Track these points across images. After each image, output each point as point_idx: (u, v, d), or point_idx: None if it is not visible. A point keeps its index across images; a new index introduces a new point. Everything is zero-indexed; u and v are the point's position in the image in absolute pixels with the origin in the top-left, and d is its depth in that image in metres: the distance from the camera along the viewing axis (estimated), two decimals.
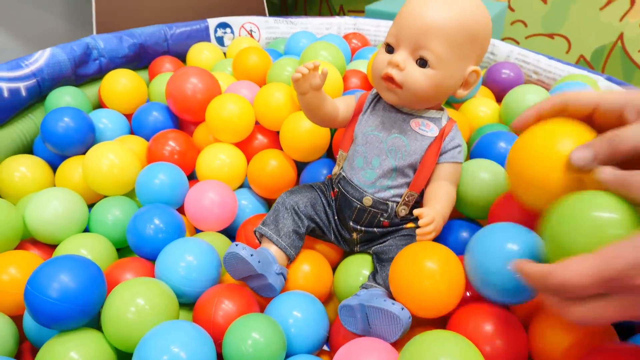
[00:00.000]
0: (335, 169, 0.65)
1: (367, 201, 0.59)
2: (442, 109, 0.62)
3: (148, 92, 0.93)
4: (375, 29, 1.16)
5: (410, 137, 0.59)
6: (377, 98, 0.63)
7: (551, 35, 1.58)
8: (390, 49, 0.57)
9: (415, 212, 0.53)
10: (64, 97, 0.83)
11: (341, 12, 1.92)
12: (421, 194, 0.60)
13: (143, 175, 0.70)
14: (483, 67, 1.04)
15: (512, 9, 1.59)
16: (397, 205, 0.59)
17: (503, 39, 1.03)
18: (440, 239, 0.63)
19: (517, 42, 1.64)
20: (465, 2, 0.55)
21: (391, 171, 0.59)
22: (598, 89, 0.87)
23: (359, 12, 1.89)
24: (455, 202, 0.59)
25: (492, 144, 0.68)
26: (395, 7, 1.38)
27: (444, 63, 0.54)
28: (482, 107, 0.84)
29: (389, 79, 0.56)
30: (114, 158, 0.70)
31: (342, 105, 0.63)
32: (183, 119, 0.87)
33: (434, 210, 0.54)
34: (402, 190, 0.59)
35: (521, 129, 0.47)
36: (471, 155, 0.71)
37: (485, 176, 0.62)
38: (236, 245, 0.57)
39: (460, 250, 0.60)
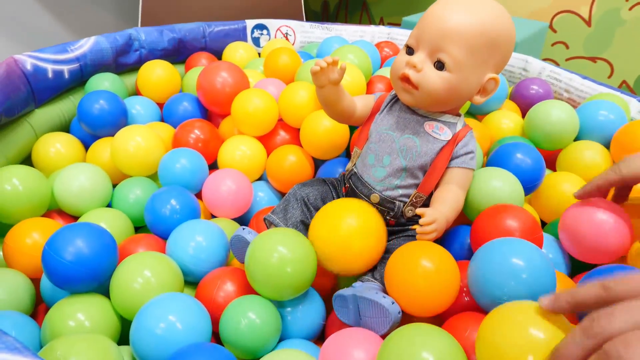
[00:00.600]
0: (349, 165, 0.66)
1: (375, 198, 0.60)
2: (459, 115, 0.62)
3: (182, 84, 0.97)
4: None
5: (422, 139, 0.59)
6: (395, 99, 0.64)
7: (593, 59, 1.54)
8: (410, 50, 0.58)
9: (418, 211, 0.54)
10: (103, 82, 0.88)
11: (381, 23, 1.94)
12: (430, 197, 0.60)
13: (166, 158, 0.73)
14: (512, 82, 1.03)
15: (553, 30, 1.56)
16: (404, 206, 0.60)
17: (542, 60, 1.02)
18: (445, 244, 0.63)
19: (557, 64, 1.60)
20: (487, 10, 0.55)
21: (401, 170, 0.59)
22: (629, 111, 0.85)
23: (398, 24, 1.90)
24: (462, 208, 0.59)
25: (509, 154, 0.68)
26: None
27: (460, 67, 0.55)
28: (505, 120, 0.83)
29: (406, 79, 0.57)
30: (141, 141, 0.73)
31: (361, 103, 0.65)
32: (211, 111, 0.90)
33: (437, 212, 0.54)
34: (410, 191, 0.60)
35: (583, 197, 0.57)
36: (487, 164, 0.71)
37: (497, 184, 0.62)
38: (243, 229, 0.59)
39: (465, 256, 0.60)
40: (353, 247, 0.53)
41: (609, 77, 1.54)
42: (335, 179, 0.68)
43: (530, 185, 0.66)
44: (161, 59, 1.01)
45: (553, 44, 1.58)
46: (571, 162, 0.76)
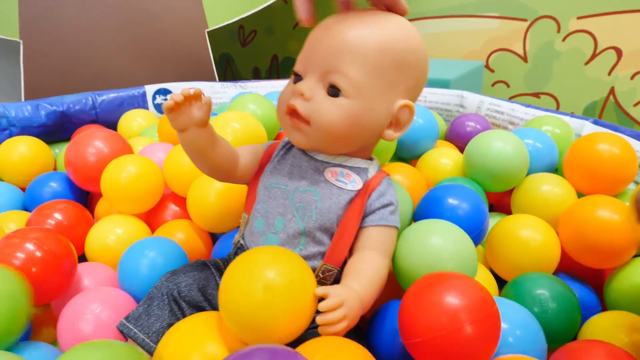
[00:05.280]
0: (236, 237, 0.49)
1: None
2: (370, 159, 0.48)
3: (56, 163, 0.81)
4: None
5: (323, 191, 0.44)
6: (290, 144, 0.49)
7: (537, 95, 1.47)
8: (298, 78, 0.45)
9: (318, 291, 0.37)
10: None
11: None
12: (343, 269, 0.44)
13: None
14: (447, 120, 0.91)
15: (491, 70, 1.50)
16: None
17: None
18: (370, 331, 0.45)
19: None
20: (389, 22, 0.44)
21: (299, 235, 0.44)
22: (571, 134, 0.73)
23: None
24: (384, 281, 0.43)
25: (439, 200, 0.53)
26: None
27: (361, 92, 0.42)
28: (443, 159, 0.69)
29: (293, 112, 0.43)
30: None
31: (246, 153, 0.50)
32: (90, 191, 0.73)
33: (347, 291, 0.38)
34: (315, 263, 0.44)
35: None
36: (415, 216, 0.55)
37: (438, 242, 0.45)
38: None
39: (399, 353, 0.42)
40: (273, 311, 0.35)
41: (557, 110, 1.46)
42: (222, 259, 0.51)
43: (470, 237, 0.50)
44: (40, 136, 0.85)
45: (493, 84, 1.51)
46: (528, 202, 0.62)
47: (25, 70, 1.02)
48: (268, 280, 0.35)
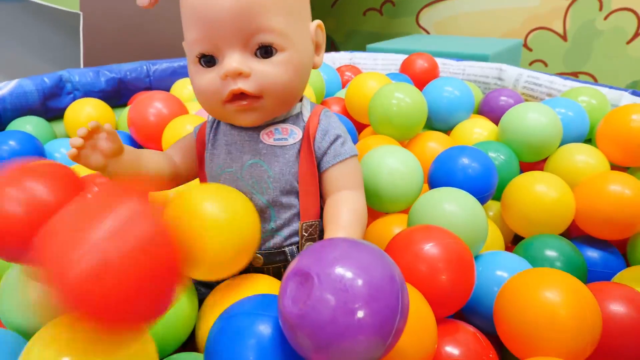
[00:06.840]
0: None
1: (257, 262, 0.44)
2: (300, 100, 0.46)
3: (117, 124, 0.88)
4: (372, 62, 1.09)
5: (268, 157, 0.43)
6: (216, 124, 0.47)
7: (575, 74, 1.47)
8: (209, 59, 0.41)
9: None
10: (25, 126, 0.79)
11: None
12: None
13: None
14: (485, 93, 0.94)
15: (529, 49, 1.50)
16: (299, 246, 0.44)
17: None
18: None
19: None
20: None
21: (266, 209, 0.43)
22: (607, 105, 0.74)
23: None
24: (366, 211, 0.43)
25: (452, 159, 0.57)
26: (396, 45, 1.32)
27: (290, 37, 0.40)
28: (477, 129, 0.72)
29: (239, 95, 0.40)
30: None
31: (180, 152, 0.48)
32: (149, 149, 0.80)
33: None
34: (294, 226, 0.44)
35: None
36: (430, 175, 0.60)
37: (451, 209, 0.48)
38: None
39: None
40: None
41: None
42: None
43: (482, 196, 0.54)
44: None
45: (531, 63, 1.51)
46: (561, 172, 0.64)
47: (84, 40, 1.09)
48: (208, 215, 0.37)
